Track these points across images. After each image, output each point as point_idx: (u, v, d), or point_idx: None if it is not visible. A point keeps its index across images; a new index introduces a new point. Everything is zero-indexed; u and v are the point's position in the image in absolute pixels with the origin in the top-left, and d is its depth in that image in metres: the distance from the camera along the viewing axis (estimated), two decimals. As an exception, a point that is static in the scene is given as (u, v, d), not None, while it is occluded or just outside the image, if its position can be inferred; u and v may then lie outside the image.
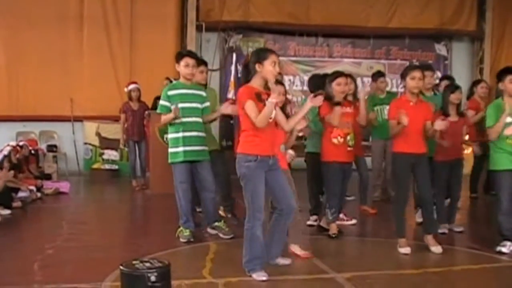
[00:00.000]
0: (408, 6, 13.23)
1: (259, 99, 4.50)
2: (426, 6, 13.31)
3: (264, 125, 4.47)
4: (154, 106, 9.71)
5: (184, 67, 5.87)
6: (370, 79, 8.88)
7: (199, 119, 5.90)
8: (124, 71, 11.90)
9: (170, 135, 5.92)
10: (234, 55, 12.85)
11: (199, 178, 5.98)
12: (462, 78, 13.25)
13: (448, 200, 6.41)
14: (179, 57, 5.99)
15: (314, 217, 6.72)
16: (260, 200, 4.55)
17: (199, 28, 12.27)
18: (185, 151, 5.80)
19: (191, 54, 6.11)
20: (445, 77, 8.02)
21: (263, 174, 4.54)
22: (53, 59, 11.53)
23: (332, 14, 12.80)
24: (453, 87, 6.29)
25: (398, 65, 13.26)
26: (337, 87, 5.93)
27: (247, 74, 4.62)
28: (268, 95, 4.50)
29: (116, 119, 11.37)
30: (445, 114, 6.11)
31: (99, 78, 11.69)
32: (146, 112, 9.61)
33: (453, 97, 6.17)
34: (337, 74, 6.07)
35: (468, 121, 6.56)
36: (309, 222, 6.70)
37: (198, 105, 5.92)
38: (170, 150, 5.88)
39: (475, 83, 8.66)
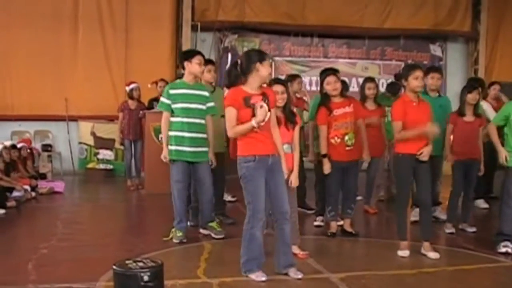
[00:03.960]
0: (403, 6, 13.24)
1: (247, 104, 4.44)
2: (421, 7, 13.34)
3: (234, 137, 4.47)
4: (149, 107, 9.70)
5: (198, 65, 5.79)
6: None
7: (201, 121, 5.81)
8: (119, 70, 11.88)
9: (171, 133, 5.79)
10: (230, 55, 12.85)
11: (197, 180, 5.94)
12: (456, 79, 13.33)
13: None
14: (189, 54, 5.89)
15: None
16: (261, 201, 4.51)
17: (194, 28, 12.25)
18: (183, 151, 5.74)
19: (201, 52, 5.99)
20: (474, 79, 7.98)
21: (263, 174, 4.50)
22: (48, 59, 11.49)
23: (327, 14, 12.81)
24: (470, 87, 6.27)
25: (393, 65, 13.30)
26: (328, 87, 5.96)
27: (236, 75, 4.53)
28: (261, 95, 4.48)
29: (111, 119, 11.36)
30: (461, 114, 6.20)
31: (94, 78, 11.66)
32: (141, 112, 9.59)
33: (470, 97, 6.17)
34: (326, 74, 6.05)
35: (484, 122, 6.43)
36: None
37: (201, 106, 5.82)
38: (170, 147, 5.80)
39: (489, 85, 8.63)
